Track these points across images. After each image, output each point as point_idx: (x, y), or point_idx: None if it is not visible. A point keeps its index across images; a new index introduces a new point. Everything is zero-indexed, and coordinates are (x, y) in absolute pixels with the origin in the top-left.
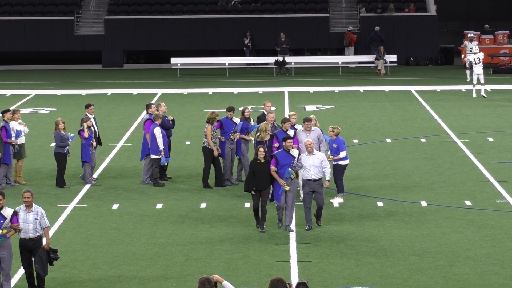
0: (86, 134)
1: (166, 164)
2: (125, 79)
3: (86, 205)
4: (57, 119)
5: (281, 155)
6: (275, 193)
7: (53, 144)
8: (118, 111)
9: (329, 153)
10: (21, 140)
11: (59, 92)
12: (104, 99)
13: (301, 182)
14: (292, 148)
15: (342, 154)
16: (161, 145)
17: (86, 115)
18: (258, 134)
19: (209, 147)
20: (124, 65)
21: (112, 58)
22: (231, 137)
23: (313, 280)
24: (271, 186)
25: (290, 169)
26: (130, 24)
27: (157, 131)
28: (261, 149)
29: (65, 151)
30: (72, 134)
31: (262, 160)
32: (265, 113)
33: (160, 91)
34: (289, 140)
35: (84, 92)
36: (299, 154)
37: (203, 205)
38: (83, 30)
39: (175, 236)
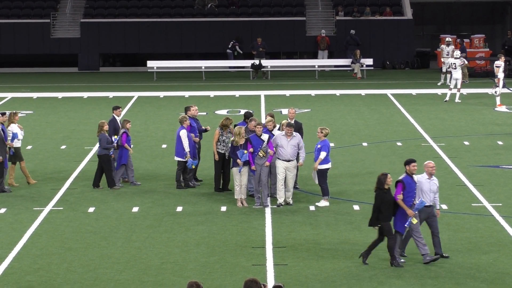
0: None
1: (193, 166)
2: (101, 82)
3: (62, 208)
4: (101, 121)
5: (408, 180)
6: (400, 223)
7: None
8: (94, 114)
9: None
10: (17, 143)
11: (35, 95)
12: (80, 102)
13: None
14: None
15: (323, 154)
16: (186, 148)
17: (114, 117)
18: (232, 138)
19: (218, 151)
20: (100, 68)
21: (88, 61)
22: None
23: (289, 283)
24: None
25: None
26: (106, 27)
27: (183, 133)
28: (390, 175)
29: (111, 153)
30: (116, 137)
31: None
32: (288, 120)
33: (136, 94)
34: (413, 164)
35: (60, 95)
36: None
37: (179, 209)
38: (59, 33)
39: (151, 240)
